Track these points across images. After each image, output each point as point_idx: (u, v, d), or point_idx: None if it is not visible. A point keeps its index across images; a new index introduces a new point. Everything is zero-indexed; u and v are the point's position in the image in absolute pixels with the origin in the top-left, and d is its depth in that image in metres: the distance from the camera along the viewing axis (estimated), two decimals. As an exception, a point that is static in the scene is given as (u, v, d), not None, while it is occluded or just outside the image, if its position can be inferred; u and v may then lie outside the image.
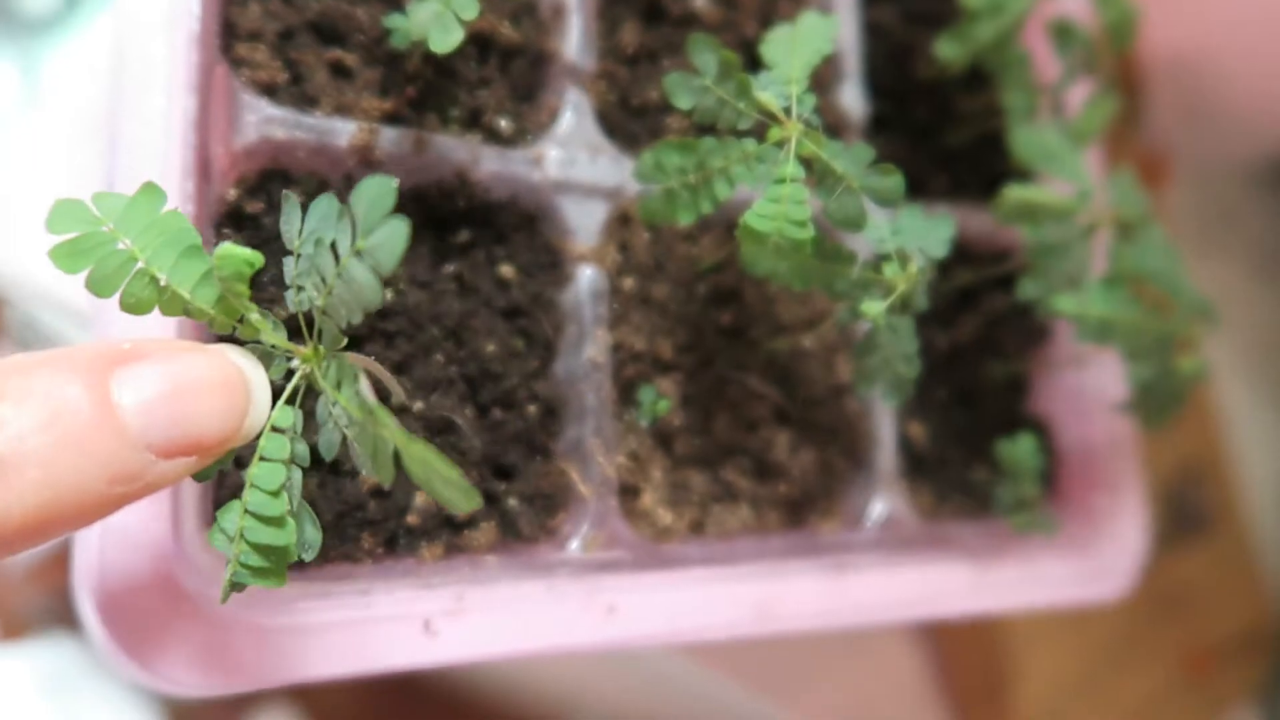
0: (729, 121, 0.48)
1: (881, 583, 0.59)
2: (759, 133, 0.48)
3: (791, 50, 0.49)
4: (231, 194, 0.47)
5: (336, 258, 0.35)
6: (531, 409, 0.54)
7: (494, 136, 0.55)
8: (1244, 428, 1.15)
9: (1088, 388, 0.71)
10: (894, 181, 0.46)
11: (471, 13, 0.45)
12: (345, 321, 0.36)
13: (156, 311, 0.37)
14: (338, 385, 0.37)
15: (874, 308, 0.49)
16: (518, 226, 0.55)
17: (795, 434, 0.61)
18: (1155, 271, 0.59)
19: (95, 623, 0.40)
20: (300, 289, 0.38)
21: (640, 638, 0.52)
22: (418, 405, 0.51)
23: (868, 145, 0.46)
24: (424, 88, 0.53)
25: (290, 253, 0.38)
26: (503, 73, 0.56)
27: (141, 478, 0.29)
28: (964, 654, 0.94)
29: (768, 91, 0.47)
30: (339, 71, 0.51)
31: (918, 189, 0.69)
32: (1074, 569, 0.67)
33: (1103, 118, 0.63)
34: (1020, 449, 0.62)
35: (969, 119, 0.70)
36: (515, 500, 0.53)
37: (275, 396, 0.38)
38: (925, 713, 0.93)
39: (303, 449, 0.38)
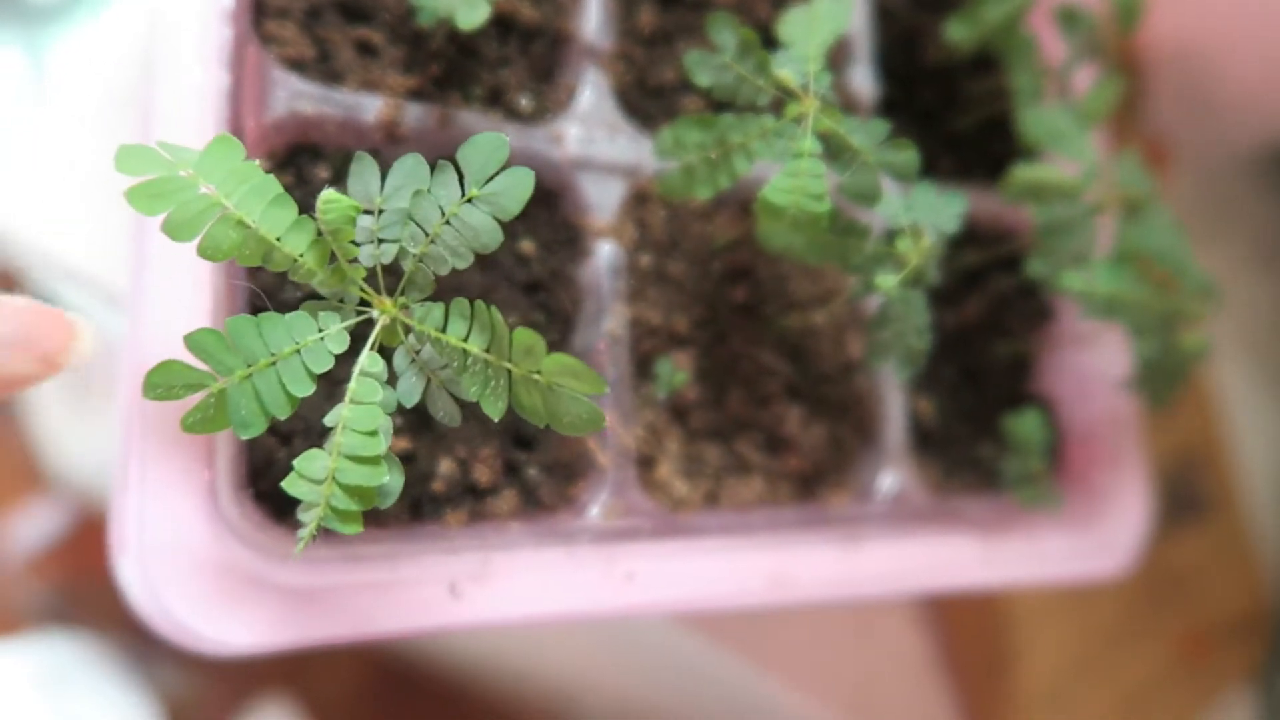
0: (748, 98, 0.49)
1: (891, 554, 0.61)
2: (776, 109, 0.50)
3: (809, 30, 0.50)
4: (263, 166, 0.48)
5: (441, 209, 0.37)
6: (551, 381, 0.55)
7: (514, 114, 0.56)
8: (1242, 413, 1.16)
9: (1091, 367, 0.73)
10: (908, 156, 0.47)
11: (497, -10, 0.47)
12: (449, 267, 0.38)
13: (199, 279, 0.38)
14: (443, 327, 0.38)
15: (888, 281, 0.50)
16: (537, 202, 0.56)
17: (806, 409, 0.62)
18: (1160, 250, 0.60)
19: (140, 589, 0.41)
20: (383, 242, 0.39)
21: (658, 604, 0.53)
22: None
23: (883, 120, 0.47)
24: (447, 66, 0.54)
25: (366, 212, 0.39)
26: (523, 53, 0.57)
27: None
28: (967, 633, 0.95)
29: (786, 69, 0.48)
30: (365, 49, 0.52)
31: (926, 171, 0.70)
32: (1077, 545, 0.69)
33: (1109, 100, 0.64)
34: (1027, 424, 0.63)
35: (975, 103, 0.71)
36: (535, 470, 0.54)
37: (356, 345, 0.39)
38: (928, 690, 0.95)
39: (390, 395, 0.39)
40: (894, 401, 0.64)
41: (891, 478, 0.63)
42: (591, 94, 0.57)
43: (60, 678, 0.99)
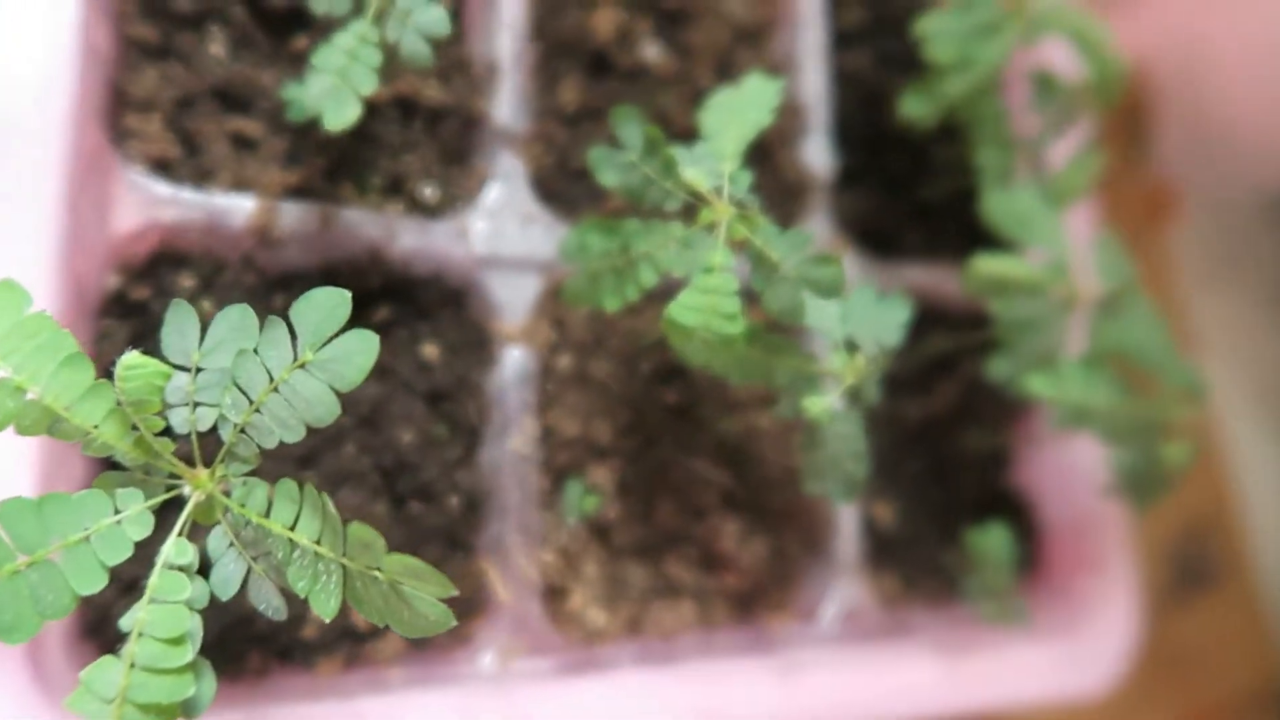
0: (655, 201, 0.44)
1: (838, 681, 0.55)
2: (692, 213, 0.44)
3: (728, 120, 0.45)
4: (113, 280, 0.44)
5: (268, 372, 0.32)
6: (453, 501, 0.50)
7: (417, 206, 0.51)
8: (1254, 474, 1.09)
9: (1075, 461, 0.67)
10: (833, 272, 0.42)
11: (369, 87, 0.42)
12: (278, 440, 0.33)
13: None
14: (266, 511, 0.33)
15: (817, 404, 0.45)
16: (443, 303, 0.51)
17: (746, 521, 0.56)
18: (1140, 348, 0.54)
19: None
20: (199, 405, 0.34)
21: (564, 755, 0.48)
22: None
23: (804, 232, 0.42)
24: (339, 155, 0.49)
25: (181, 368, 0.34)
26: (429, 136, 0.52)
27: None
28: None
29: (698, 168, 0.43)
30: (241, 142, 0.47)
31: (890, 246, 0.65)
32: (1055, 658, 0.62)
33: (1087, 176, 0.58)
34: (991, 539, 0.57)
35: (947, 171, 0.65)
36: (432, 602, 0.49)
37: (162, 528, 0.34)
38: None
39: (202, 589, 0.34)
40: (847, 508, 0.58)
41: (841, 593, 0.57)
42: (503, 182, 0.52)
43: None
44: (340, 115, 0.42)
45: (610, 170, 0.44)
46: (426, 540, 0.49)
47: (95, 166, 0.43)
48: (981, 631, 0.61)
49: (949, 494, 0.65)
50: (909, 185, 0.66)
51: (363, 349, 0.31)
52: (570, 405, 0.52)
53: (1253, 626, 1.07)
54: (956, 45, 0.53)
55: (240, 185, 0.46)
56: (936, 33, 0.53)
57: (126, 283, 0.44)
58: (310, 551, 0.32)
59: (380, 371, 0.50)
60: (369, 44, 0.42)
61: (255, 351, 0.33)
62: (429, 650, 0.48)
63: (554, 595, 0.51)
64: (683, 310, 0.42)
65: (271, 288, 0.47)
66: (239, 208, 0.45)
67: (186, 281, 0.45)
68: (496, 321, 0.51)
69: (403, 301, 0.51)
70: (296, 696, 0.43)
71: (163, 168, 0.45)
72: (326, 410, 0.32)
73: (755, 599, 0.56)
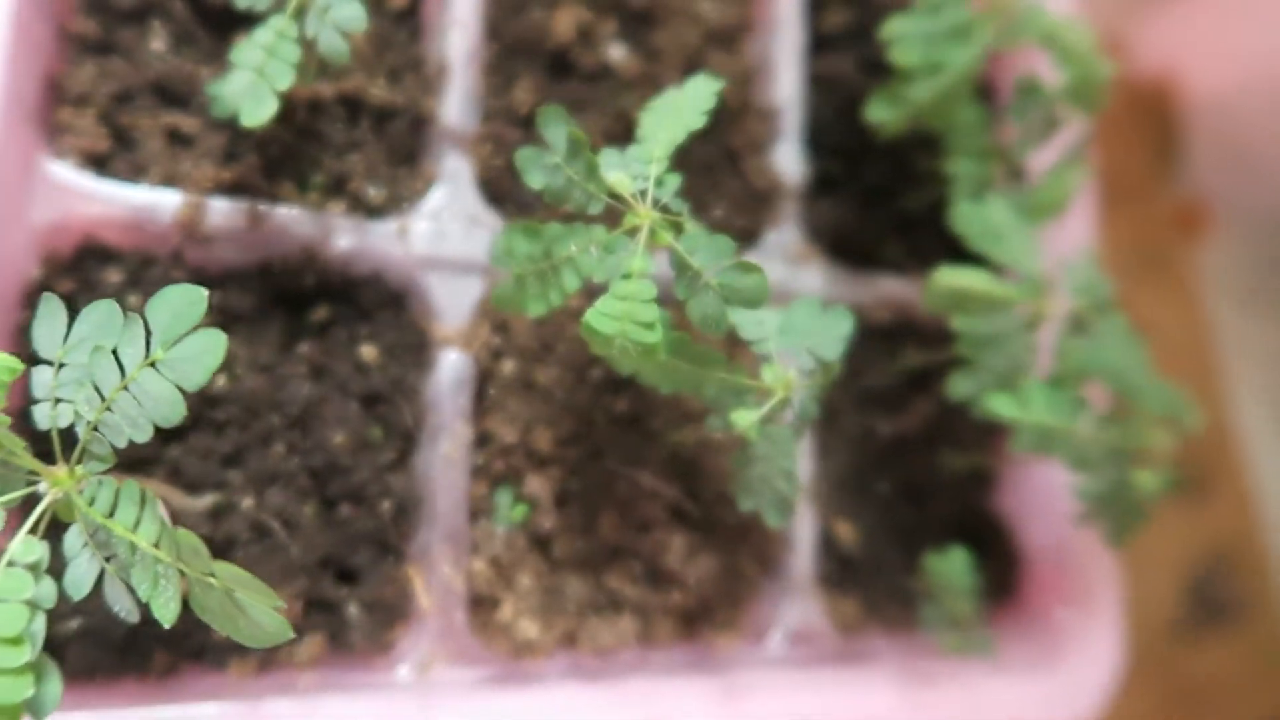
0: (579, 204, 0.42)
1: (785, 707, 0.53)
2: (618, 218, 0.43)
3: (662, 123, 0.43)
4: (37, 272, 0.44)
5: (122, 369, 0.32)
6: (385, 505, 0.49)
7: (361, 205, 0.50)
8: (1282, 502, 1.04)
9: (1059, 484, 0.63)
10: (754, 281, 0.40)
11: (285, 82, 0.41)
12: (127, 439, 0.33)
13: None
14: (111, 511, 0.33)
15: (744, 418, 0.43)
16: (383, 304, 0.51)
17: (695, 536, 0.54)
18: (1112, 369, 0.51)
19: None
20: (60, 401, 0.34)
21: (483, 770, 0.47)
22: (247, 502, 0.47)
23: (729, 238, 0.40)
24: (281, 152, 0.49)
25: (44, 362, 0.34)
26: (377, 135, 0.52)
27: None
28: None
29: (625, 171, 0.42)
30: (177, 138, 0.47)
31: (866, 257, 0.62)
32: (1028, 692, 0.59)
33: (1067, 189, 0.56)
34: (951, 563, 0.55)
35: (928, 180, 0.63)
36: (356, 607, 0.48)
37: (12, 525, 0.34)
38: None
39: (49, 589, 0.34)
40: (803, 525, 0.56)
41: (794, 614, 0.55)
42: (448, 183, 0.51)
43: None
44: (257, 112, 0.41)
45: (536, 172, 0.43)
46: (356, 544, 0.49)
47: (17, 159, 0.43)
48: (949, 662, 0.58)
49: (920, 515, 0.62)
50: (889, 195, 0.64)
51: (210, 349, 0.30)
52: (511, 411, 0.51)
53: (1274, 661, 1.02)
54: (923, 48, 0.51)
55: (171, 181, 0.46)
56: (901, 35, 0.51)
57: (51, 275, 0.44)
58: (150, 555, 0.32)
59: (316, 372, 0.49)
60: (287, 39, 0.41)
61: (113, 349, 0.32)
62: (348, 656, 0.47)
63: (483, 605, 0.49)
64: (600, 317, 0.41)
65: (201, 284, 0.47)
66: (166, 203, 0.45)
67: (113, 276, 0.45)
68: (435, 324, 0.50)
69: (342, 302, 0.50)
70: (200, 696, 0.43)
71: (95, 162, 0.45)
72: (172, 410, 0.31)
73: (701, 617, 0.54)
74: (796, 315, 0.45)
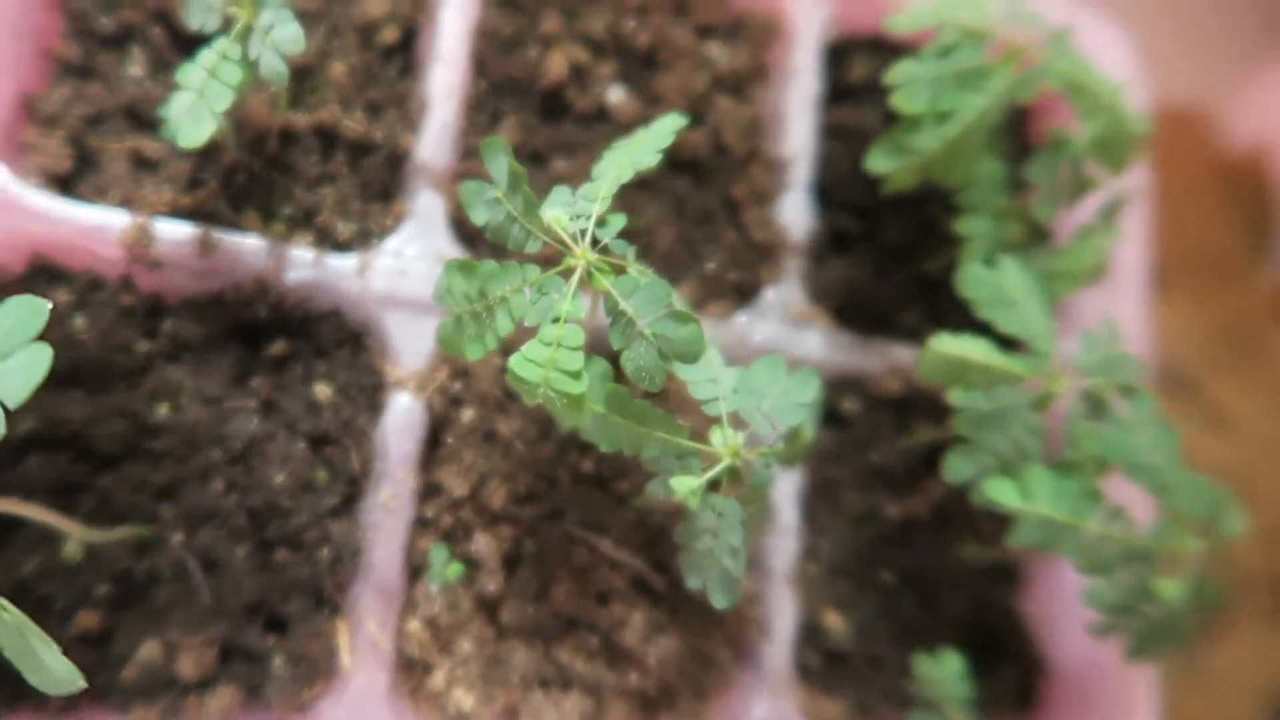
0: (518, 242, 0.39)
1: (746, 815, 0.47)
2: (558, 259, 0.40)
3: (615, 162, 0.40)
4: (-19, 289, 0.43)
5: None
6: (324, 552, 0.47)
7: (328, 239, 0.49)
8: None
9: (1091, 587, 0.56)
10: (689, 332, 0.36)
11: (224, 103, 0.40)
12: None
13: None
14: None
15: (684, 485, 0.39)
16: (341, 342, 0.49)
17: (659, 612, 0.50)
18: (1133, 459, 0.45)
19: None
20: None
21: None
22: (177, 537, 0.45)
23: (666, 284, 0.37)
24: (249, 181, 0.48)
25: None
26: (351, 169, 0.50)
27: None
28: None
29: (567, 209, 0.39)
30: (142, 162, 0.47)
31: (879, 323, 0.58)
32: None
33: (1095, 256, 0.50)
34: (943, 667, 0.48)
35: (951, 241, 0.58)
36: (280, 659, 0.45)
37: None
38: None
39: None
40: (784, 611, 0.51)
41: (768, 710, 0.50)
42: (419, 220, 0.49)
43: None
44: (194, 133, 0.40)
45: (479, 207, 0.40)
46: (289, 592, 0.46)
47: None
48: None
49: (927, 611, 0.56)
50: (907, 256, 0.59)
51: (34, 364, 0.28)
52: (466, 463, 0.48)
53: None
54: (930, 95, 0.47)
55: (128, 204, 0.45)
56: (907, 80, 0.47)
57: (-5, 293, 0.44)
58: None
59: (266, 407, 0.47)
60: (230, 61, 0.40)
61: None
62: (262, 714, 0.44)
63: (414, 670, 0.46)
64: (524, 363, 0.37)
65: (152, 310, 0.46)
66: (116, 225, 0.44)
67: (61, 296, 0.45)
68: (390, 365, 0.48)
69: (300, 337, 0.49)
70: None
71: (58, 182, 0.45)
72: None
73: (662, 703, 0.49)
74: (755, 375, 0.41)
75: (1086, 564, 0.44)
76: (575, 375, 0.37)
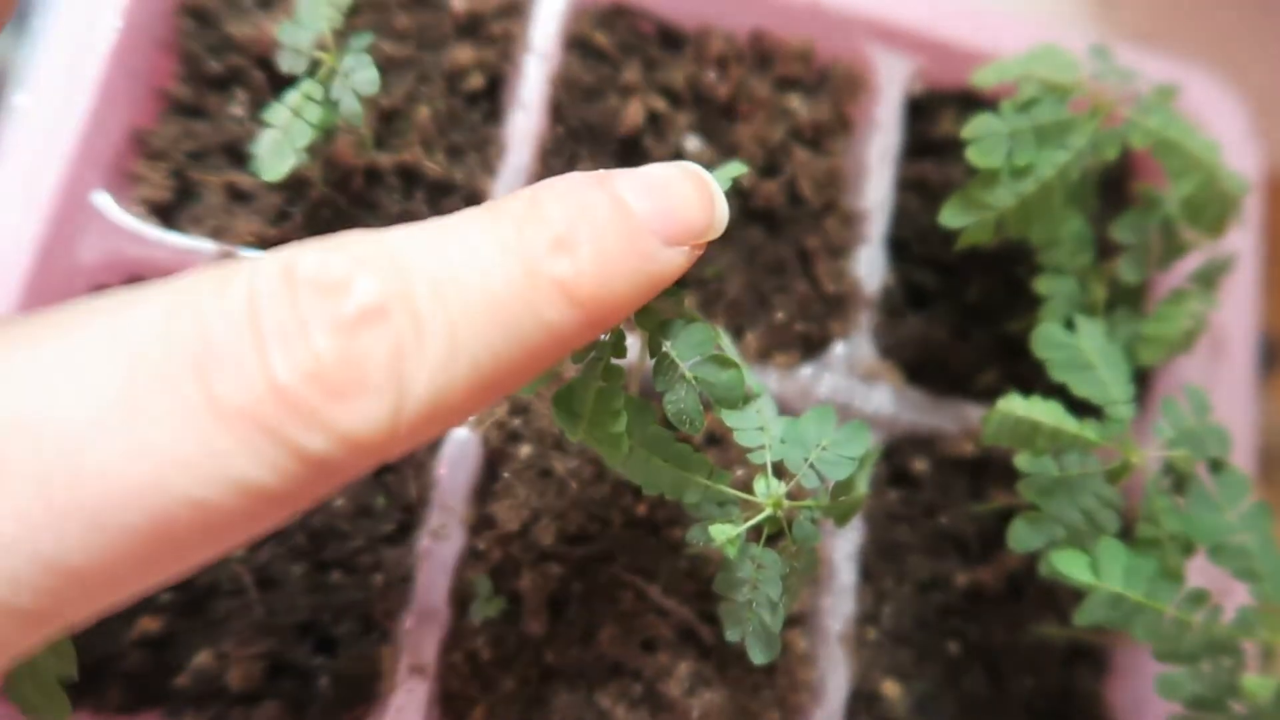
0: (571, 282, 0.40)
1: None
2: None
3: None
4: (81, 307, 0.46)
5: None
6: (376, 577, 0.47)
7: (403, 273, 0.51)
8: None
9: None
10: (730, 378, 0.36)
11: (304, 140, 0.42)
12: None
13: None
14: None
15: (722, 532, 0.38)
16: (408, 372, 0.50)
17: (706, 665, 0.49)
18: (1215, 541, 0.42)
19: None
20: None
21: None
22: (237, 552, 0.46)
23: (710, 328, 0.36)
24: (332, 216, 0.51)
25: None
26: (431, 207, 0.52)
27: (655, 259, 0.31)
28: None
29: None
30: (236, 194, 0.50)
31: (956, 383, 0.56)
32: None
33: (1186, 322, 0.47)
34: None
35: (1037, 301, 0.56)
36: (327, 680, 0.46)
37: None
38: None
39: None
40: (836, 675, 0.49)
41: (814, 780, 0.48)
42: (489, 258, 0.51)
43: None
44: (276, 167, 0.42)
45: (537, 246, 0.41)
46: (342, 613, 0.47)
47: (76, 198, 0.46)
48: None
49: (996, 689, 0.53)
50: (990, 314, 0.57)
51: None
52: (520, 498, 0.49)
53: None
54: (1004, 150, 0.46)
55: (218, 234, 0.48)
56: (983, 134, 0.46)
57: (93, 311, 0.47)
58: None
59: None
60: (313, 101, 0.42)
61: None
62: (302, 731, 0.45)
63: (455, 703, 0.46)
64: (566, 397, 0.38)
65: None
66: (207, 251, 0.47)
67: (151, 317, 0.47)
68: (450, 398, 0.49)
69: (371, 367, 0.50)
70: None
71: (158, 211, 0.48)
72: None
73: (701, 761, 0.48)
74: (804, 426, 0.40)
75: (1162, 650, 0.41)
76: (615, 414, 0.37)
